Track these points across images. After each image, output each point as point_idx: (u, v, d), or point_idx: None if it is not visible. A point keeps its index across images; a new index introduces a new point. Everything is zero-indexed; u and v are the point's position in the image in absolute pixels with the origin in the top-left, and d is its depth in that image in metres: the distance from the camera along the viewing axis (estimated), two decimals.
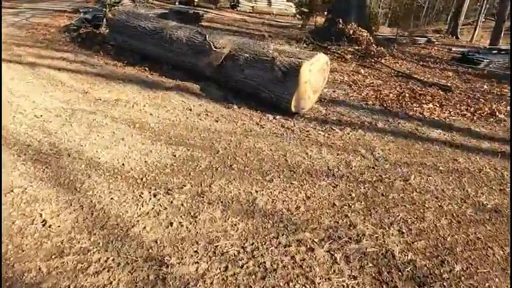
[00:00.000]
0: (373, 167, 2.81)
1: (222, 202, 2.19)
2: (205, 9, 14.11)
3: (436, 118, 4.39)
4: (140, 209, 2.07)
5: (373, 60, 7.61)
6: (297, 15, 14.73)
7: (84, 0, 15.28)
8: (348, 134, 3.58)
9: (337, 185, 2.49)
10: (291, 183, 2.47)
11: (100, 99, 4.04)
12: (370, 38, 7.82)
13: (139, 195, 2.20)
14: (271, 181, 2.49)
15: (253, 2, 16.84)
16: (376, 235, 1.98)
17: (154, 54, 5.54)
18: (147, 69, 5.42)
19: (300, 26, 12.45)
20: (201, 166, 2.65)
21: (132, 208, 2.07)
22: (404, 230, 2.04)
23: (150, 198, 2.18)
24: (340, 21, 8.43)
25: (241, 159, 2.81)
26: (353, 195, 2.38)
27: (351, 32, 8.08)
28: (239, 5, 16.53)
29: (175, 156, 2.81)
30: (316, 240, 1.89)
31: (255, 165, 2.71)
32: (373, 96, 5.12)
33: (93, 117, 3.50)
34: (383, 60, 7.73)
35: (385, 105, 4.73)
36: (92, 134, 3.13)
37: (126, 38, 5.99)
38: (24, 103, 3.80)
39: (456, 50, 10.33)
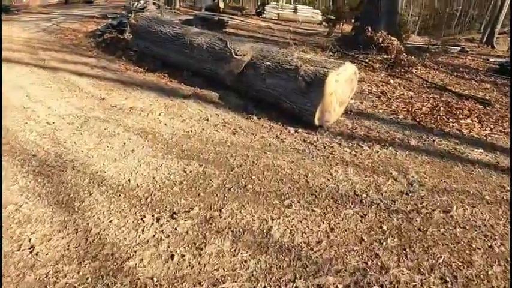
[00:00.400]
0: (406, 194, 2.46)
1: (232, 231, 1.93)
2: (230, 16, 14.07)
3: (475, 136, 3.96)
4: (140, 236, 1.84)
5: (403, 70, 7.17)
6: (323, 23, 14.41)
7: (115, 6, 15.63)
8: (377, 152, 3.24)
9: (365, 215, 2.17)
10: (313, 210, 2.17)
11: (115, 107, 3.91)
12: (401, 46, 7.39)
13: (141, 219, 1.98)
14: (289, 207, 2.20)
15: (279, 9, 16.68)
16: (414, 283, 1.65)
17: (175, 60, 5.41)
18: (167, 75, 5.29)
19: (326, 33, 12.12)
20: (212, 185, 2.40)
21: (131, 234, 1.84)
22: (448, 278, 1.70)
23: (153, 223, 1.95)
24: (369, 28, 8.05)
25: (257, 179, 2.54)
26: (384, 228, 2.06)
27: (380, 40, 7.67)
28: (265, 12, 16.40)
29: (186, 172, 2.58)
30: (340, 286, 1.59)
31: (272, 187, 2.44)
32: (405, 109, 4.73)
33: (105, 125, 3.35)
34: (414, 70, 7.28)
35: (417, 119, 4.33)
36: (102, 144, 2.96)
37: (148, 43, 5.91)
38: (39, 109, 3.72)
39: (494, 60, 9.67)
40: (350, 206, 2.25)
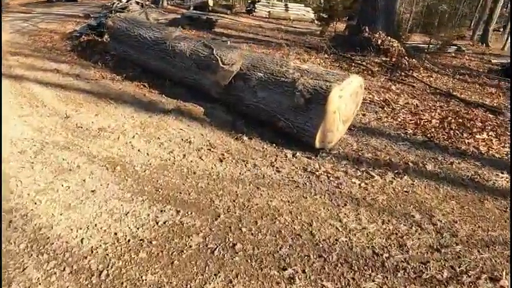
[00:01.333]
0: (437, 249, 1.95)
1: None
2: (220, 15, 13.45)
3: (496, 155, 3.49)
4: None
5: (403, 74, 6.70)
6: (316, 21, 13.91)
7: (101, 5, 14.80)
8: (391, 182, 2.73)
9: None
10: (323, 285, 1.65)
11: (81, 127, 3.32)
12: (402, 49, 6.92)
13: None
14: (292, 281, 1.67)
15: (269, 7, 16.10)
16: None
17: (156, 67, 4.83)
18: (146, 85, 4.71)
19: (319, 32, 11.61)
20: (191, 245, 1.86)
21: None
22: None
23: None
24: (366, 29, 7.57)
25: (249, 232, 2.00)
26: None
27: (379, 41, 7.19)
28: (255, 10, 15.81)
29: (158, 224, 2.03)
30: None
31: (269, 245, 1.90)
32: (412, 122, 4.23)
33: (64, 155, 2.77)
34: (415, 74, 6.81)
35: (428, 135, 3.84)
36: (56, 183, 2.38)
37: (127, 48, 5.32)
38: None
39: (497, 61, 9.28)
40: (370, 275, 1.73)
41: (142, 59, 5.02)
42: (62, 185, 2.36)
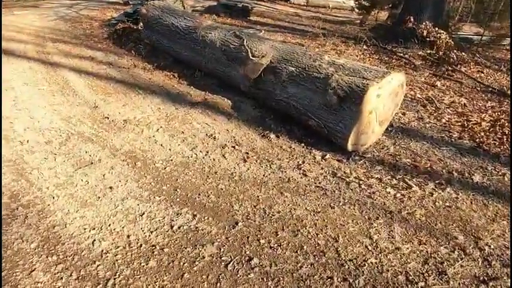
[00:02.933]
0: (484, 282, 1.69)
1: None
2: (256, 2, 13.16)
3: None
4: None
5: (450, 69, 6.14)
6: (356, 9, 13.22)
7: None
8: (431, 194, 2.44)
9: None
10: None
11: (107, 118, 3.30)
12: (450, 41, 6.34)
13: None
14: None
15: None
16: None
17: (186, 57, 4.73)
18: (176, 75, 4.63)
19: (358, 21, 11.03)
20: (204, 257, 1.73)
21: None
22: None
23: None
24: (411, 18, 7.02)
25: (267, 245, 1.84)
26: None
27: (425, 33, 6.64)
28: None
29: (172, 228, 1.92)
30: None
31: (288, 262, 1.73)
32: (458, 124, 3.83)
33: (87, 147, 2.74)
34: (463, 69, 6.21)
35: (477, 139, 3.45)
36: (75, 177, 2.35)
37: (159, 36, 5.27)
38: (20, 119, 3.17)
39: None
40: None
41: (174, 48, 4.94)
42: (82, 180, 2.31)
